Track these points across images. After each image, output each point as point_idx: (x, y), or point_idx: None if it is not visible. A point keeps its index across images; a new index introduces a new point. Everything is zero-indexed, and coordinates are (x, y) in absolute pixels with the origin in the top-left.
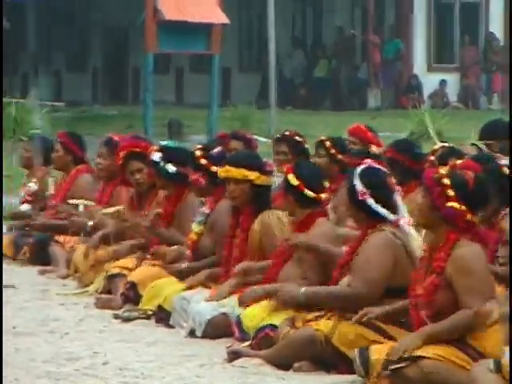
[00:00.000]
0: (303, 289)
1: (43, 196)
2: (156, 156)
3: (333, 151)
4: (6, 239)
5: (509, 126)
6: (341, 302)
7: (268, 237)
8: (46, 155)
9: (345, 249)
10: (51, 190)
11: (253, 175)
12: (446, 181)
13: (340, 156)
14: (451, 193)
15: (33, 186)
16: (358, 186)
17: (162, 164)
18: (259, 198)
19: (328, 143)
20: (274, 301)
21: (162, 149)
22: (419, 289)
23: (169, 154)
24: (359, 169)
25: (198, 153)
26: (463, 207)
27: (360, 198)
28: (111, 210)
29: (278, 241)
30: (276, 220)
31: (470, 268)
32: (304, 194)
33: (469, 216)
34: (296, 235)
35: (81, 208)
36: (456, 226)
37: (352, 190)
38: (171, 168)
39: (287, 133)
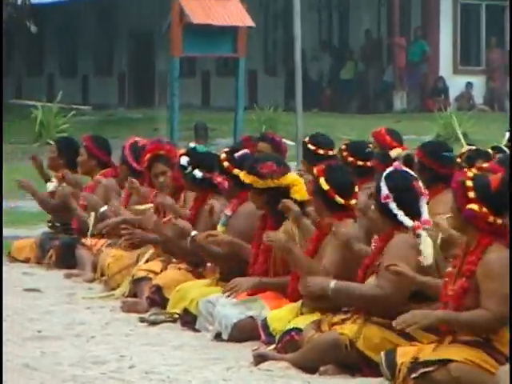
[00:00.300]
0: (333, 282)
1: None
2: (184, 160)
3: (350, 159)
4: (31, 242)
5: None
6: (369, 302)
7: None
8: (73, 158)
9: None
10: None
11: (254, 180)
12: (469, 183)
13: (354, 160)
14: (472, 195)
15: (52, 185)
16: (384, 189)
17: (189, 169)
18: (276, 204)
19: (343, 148)
20: (300, 290)
21: (189, 153)
22: (450, 291)
23: (196, 159)
24: (386, 171)
25: (222, 156)
26: (484, 209)
27: (383, 202)
28: (142, 207)
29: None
30: (297, 230)
31: (496, 273)
32: (333, 200)
33: (491, 218)
34: (275, 233)
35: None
36: (479, 228)
37: (377, 192)
38: (198, 174)
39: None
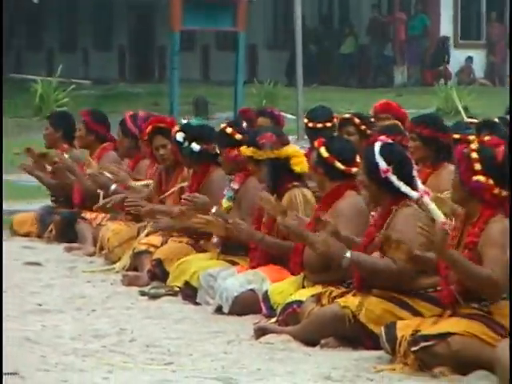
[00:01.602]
0: (349, 252)
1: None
2: (179, 136)
3: (363, 127)
4: (31, 216)
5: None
6: (385, 275)
7: None
8: (69, 131)
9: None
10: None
11: (254, 152)
12: (474, 155)
13: (370, 132)
14: (478, 166)
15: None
16: (381, 163)
17: (186, 144)
18: (277, 175)
19: (357, 120)
20: (313, 248)
21: (183, 128)
22: None
23: (192, 133)
24: (378, 146)
25: (229, 129)
26: (490, 181)
27: (383, 176)
28: (141, 183)
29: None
30: (302, 199)
31: (498, 241)
32: (334, 167)
33: (497, 190)
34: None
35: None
36: (484, 200)
37: (373, 167)
38: (196, 147)
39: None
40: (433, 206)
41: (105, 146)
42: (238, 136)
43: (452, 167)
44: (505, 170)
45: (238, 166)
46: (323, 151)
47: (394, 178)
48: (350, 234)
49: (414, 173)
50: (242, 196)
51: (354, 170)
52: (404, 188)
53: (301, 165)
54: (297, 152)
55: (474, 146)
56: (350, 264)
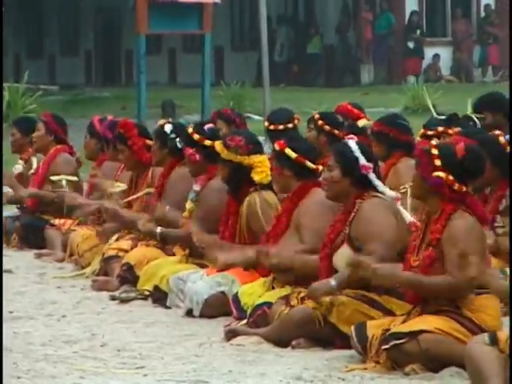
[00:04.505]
0: (333, 282)
1: (28, 177)
2: (168, 127)
3: (320, 122)
4: None
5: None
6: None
7: (254, 219)
8: (31, 136)
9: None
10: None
11: (222, 150)
12: (434, 151)
13: (328, 128)
14: (438, 162)
15: (19, 167)
16: (362, 159)
17: (172, 136)
18: (237, 179)
19: (317, 116)
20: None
21: (174, 125)
22: (414, 261)
23: (178, 130)
24: (353, 143)
25: (190, 129)
26: (450, 177)
27: (362, 172)
28: (118, 189)
29: (263, 223)
30: (261, 203)
31: (460, 237)
32: (303, 166)
33: (457, 186)
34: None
35: (64, 183)
36: (444, 196)
37: (351, 163)
38: (179, 143)
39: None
40: (401, 210)
41: (59, 147)
42: (196, 136)
43: (412, 161)
44: (465, 167)
45: (199, 167)
46: (290, 152)
47: (372, 176)
48: (319, 229)
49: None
50: (202, 198)
51: (321, 167)
52: (382, 187)
53: (261, 175)
54: (261, 163)
55: (434, 142)
56: (340, 286)
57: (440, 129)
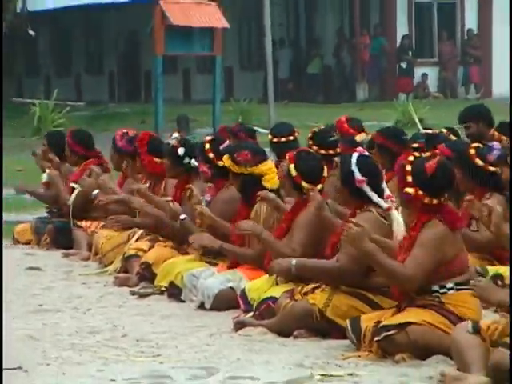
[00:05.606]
0: (294, 260)
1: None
2: (181, 151)
3: (314, 148)
4: (26, 227)
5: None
6: (329, 274)
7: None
8: (62, 150)
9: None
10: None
11: (231, 165)
12: (408, 167)
13: (317, 149)
14: (409, 179)
15: (45, 176)
16: (357, 173)
17: (186, 160)
18: (249, 189)
19: (309, 136)
20: (269, 272)
21: (183, 143)
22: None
23: (190, 149)
24: (354, 156)
25: (207, 146)
26: (420, 192)
27: (358, 185)
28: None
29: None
30: (265, 210)
31: (425, 242)
32: (300, 185)
33: (427, 199)
34: (245, 222)
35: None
36: (415, 209)
37: (348, 175)
38: (194, 163)
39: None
40: (396, 221)
41: (86, 162)
42: (211, 154)
43: None
44: (435, 182)
45: (211, 179)
46: (292, 169)
47: (367, 189)
48: (313, 243)
49: (384, 185)
50: (213, 207)
51: (318, 187)
52: (375, 198)
53: (271, 181)
54: (269, 170)
55: (410, 157)
56: (299, 269)
57: (421, 143)
